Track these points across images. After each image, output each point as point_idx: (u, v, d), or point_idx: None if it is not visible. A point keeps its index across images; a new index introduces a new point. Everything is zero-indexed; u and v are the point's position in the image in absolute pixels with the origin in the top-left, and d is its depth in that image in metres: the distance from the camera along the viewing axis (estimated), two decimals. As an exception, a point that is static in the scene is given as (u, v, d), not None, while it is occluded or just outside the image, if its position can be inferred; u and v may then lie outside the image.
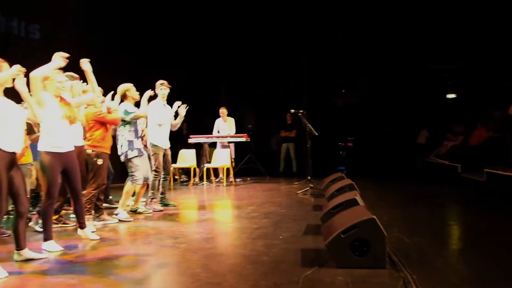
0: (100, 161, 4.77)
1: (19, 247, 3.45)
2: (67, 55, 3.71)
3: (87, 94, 4.39)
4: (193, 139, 9.33)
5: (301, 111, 7.61)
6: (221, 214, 5.58)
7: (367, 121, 12.07)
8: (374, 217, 3.12)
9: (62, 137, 3.76)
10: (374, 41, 11.01)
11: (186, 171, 9.67)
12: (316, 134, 7.41)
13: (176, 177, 9.37)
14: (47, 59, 7.57)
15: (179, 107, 6.25)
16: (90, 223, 4.52)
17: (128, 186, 5.36)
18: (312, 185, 7.41)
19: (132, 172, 5.32)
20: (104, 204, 5.41)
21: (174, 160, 8.70)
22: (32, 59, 7.38)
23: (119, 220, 5.07)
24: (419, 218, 5.06)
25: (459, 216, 5.61)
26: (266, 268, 3.12)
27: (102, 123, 4.88)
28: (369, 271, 2.99)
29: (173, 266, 3.29)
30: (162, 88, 5.95)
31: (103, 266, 3.30)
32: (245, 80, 11.77)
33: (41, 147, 3.71)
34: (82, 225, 4.11)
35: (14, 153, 3.28)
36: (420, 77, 11.40)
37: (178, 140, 9.17)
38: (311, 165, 7.72)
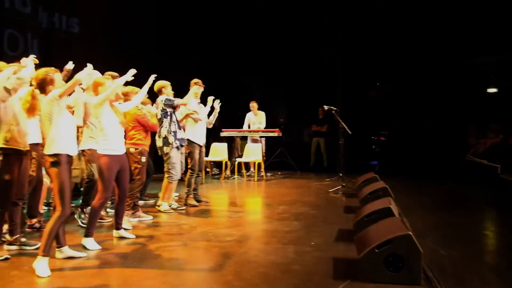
0: (143, 159, 4.92)
1: (60, 245, 3.61)
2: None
3: (134, 100, 4.52)
4: (225, 133, 9.40)
5: (334, 108, 7.50)
6: (252, 213, 5.62)
7: (402, 115, 11.76)
8: (410, 233, 3.06)
9: (118, 141, 4.02)
10: (411, 32, 10.64)
11: (217, 164, 9.77)
12: (350, 132, 7.30)
13: (208, 169, 9.48)
14: (86, 53, 7.80)
15: (214, 100, 6.31)
16: (127, 219, 4.66)
17: (165, 182, 5.52)
18: (344, 184, 7.33)
19: (169, 168, 5.43)
20: (140, 202, 5.56)
21: (206, 153, 8.81)
22: (71, 52, 7.69)
23: (160, 211, 5.38)
24: (455, 226, 4.92)
25: (498, 224, 5.43)
26: (298, 280, 3.13)
27: (143, 125, 5.02)
28: (403, 287, 2.95)
29: (207, 272, 3.34)
30: (197, 86, 6.01)
31: (137, 271, 3.40)
32: (277, 73, 11.68)
33: (101, 150, 3.93)
34: (119, 226, 4.26)
35: (72, 157, 3.51)
36: (459, 70, 10.96)
37: (210, 132, 9.26)
38: (344, 162, 7.60)
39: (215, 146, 9.29)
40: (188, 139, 5.96)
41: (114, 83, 3.95)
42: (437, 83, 11.10)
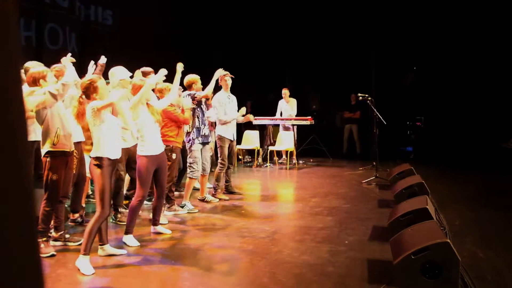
0: (174, 156, 4.99)
1: (102, 242, 3.76)
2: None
3: (169, 96, 4.54)
4: (257, 121, 9.39)
5: (369, 98, 7.32)
6: (284, 207, 5.63)
7: (439, 100, 11.36)
8: (448, 240, 2.99)
9: (156, 140, 4.11)
10: (449, 13, 10.16)
11: (250, 152, 9.82)
12: (385, 123, 7.13)
13: (240, 157, 9.56)
14: (119, 45, 7.89)
15: (245, 107, 6.33)
16: (162, 215, 4.78)
17: (188, 181, 5.52)
18: (377, 175, 7.21)
19: (190, 163, 5.46)
20: (176, 193, 5.67)
21: (239, 141, 8.87)
22: (106, 43, 7.82)
23: (187, 212, 5.32)
24: (495, 223, 4.77)
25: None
26: (332, 283, 3.14)
27: (175, 121, 5.06)
28: (439, 295, 2.91)
29: (242, 273, 3.40)
30: (226, 78, 5.98)
31: (174, 270, 3.50)
32: (310, 57, 11.47)
33: (140, 152, 4.03)
34: (156, 222, 4.39)
35: (116, 160, 3.60)
36: (500, 55, 10.41)
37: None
38: (377, 152, 7.45)
39: (247, 134, 9.32)
40: (219, 135, 5.99)
41: (145, 85, 3.99)
42: (477, 68, 10.61)
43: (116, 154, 3.59)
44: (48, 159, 3.76)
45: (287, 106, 9.40)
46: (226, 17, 10.62)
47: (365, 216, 4.98)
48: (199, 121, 5.48)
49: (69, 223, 4.72)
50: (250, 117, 6.48)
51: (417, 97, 11.74)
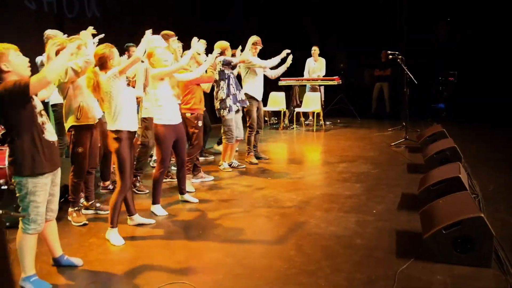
0: (200, 123, 4.94)
1: (131, 213, 3.84)
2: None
3: (181, 61, 4.39)
4: (283, 82, 9.19)
5: (399, 56, 6.97)
6: (311, 173, 5.56)
7: (473, 54, 10.73)
8: (482, 215, 2.87)
9: (175, 111, 4.05)
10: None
11: (276, 113, 9.70)
12: (416, 82, 6.81)
13: (266, 119, 9.46)
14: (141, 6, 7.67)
15: (287, 55, 6.12)
16: (189, 182, 4.81)
17: (223, 144, 5.62)
18: (407, 137, 6.99)
19: (225, 131, 5.47)
20: (200, 158, 5.69)
21: (265, 103, 8.74)
22: (128, 10, 7.64)
23: (223, 169, 5.60)
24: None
25: None
26: (359, 257, 3.10)
27: (198, 84, 4.97)
28: (471, 270, 2.83)
29: (269, 245, 3.40)
30: (257, 47, 5.83)
31: (200, 242, 3.54)
32: (335, 13, 10.95)
33: (157, 120, 3.98)
34: (183, 191, 4.43)
35: (135, 132, 3.56)
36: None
37: (267, 80, 9.10)
38: (408, 111, 7.17)
39: (273, 95, 9.17)
40: (246, 93, 5.88)
41: (178, 64, 3.93)
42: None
43: (134, 126, 3.55)
44: (72, 133, 3.79)
45: (316, 65, 9.12)
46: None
47: (394, 183, 4.87)
48: (233, 88, 5.43)
49: (101, 191, 4.85)
50: (288, 58, 6.27)
51: (450, 50, 11.13)
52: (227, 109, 5.40)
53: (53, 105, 4.88)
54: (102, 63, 3.44)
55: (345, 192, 4.61)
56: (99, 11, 7.44)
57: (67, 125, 3.84)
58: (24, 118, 2.55)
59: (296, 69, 9.47)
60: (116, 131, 3.43)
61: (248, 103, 5.69)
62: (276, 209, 4.17)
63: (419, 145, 6.32)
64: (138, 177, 4.88)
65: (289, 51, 6.15)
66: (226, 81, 5.39)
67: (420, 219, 3.38)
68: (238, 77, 5.92)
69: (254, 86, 5.92)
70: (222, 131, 5.61)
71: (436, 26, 11.39)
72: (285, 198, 4.50)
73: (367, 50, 10.45)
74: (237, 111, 5.56)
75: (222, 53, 5.38)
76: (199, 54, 4.92)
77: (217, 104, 5.46)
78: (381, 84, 10.26)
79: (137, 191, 4.79)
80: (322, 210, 4.09)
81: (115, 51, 3.49)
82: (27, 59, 2.67)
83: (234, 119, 5.53)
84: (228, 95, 5.39)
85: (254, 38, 5.73)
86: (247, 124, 5.99)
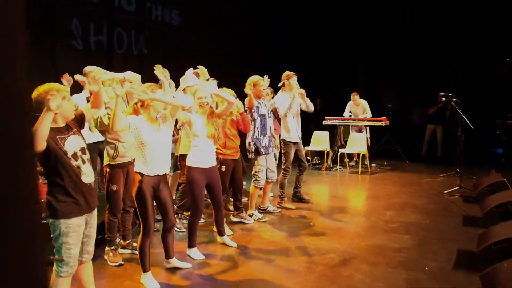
0: (223, 168, 4.82)
1: (168, 256, 3.80)
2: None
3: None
4: (327, 121, 9.12)
5: (453, 99, 6.72)
6: (356, 220, 5.34)
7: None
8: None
9: (207, 153, 3.99)
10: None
11: (319, 153, 9.57)
12: (472, 127, 6.52)
13: (309, 158, 9.34)
14: (185, 45, 8.02)
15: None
16: (227, 225, 4.72)
17: (251, 188, 5.43)
18: (462, 185, 6.62)
19: (255, 171, 5.36)
20: (245, 200, 5.62)
21: (307, 142, 8.68)
22: (171, 43, 7.99)
23: (255, 220, 5.29)
24: None
25: None
26: (411, 322, 2.87)
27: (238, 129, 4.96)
28: None
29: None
30: (292, 80, 5.71)
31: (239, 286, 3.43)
32: (384, 49, 10.88)
33: (189, 162, 3.97)
34: (221, 232, 4.37)
35: (158, 176, 3.47)
36: None
37: (311, 117, 9.03)
38: (462, 157, 6.82)
39: (317, 134, 9.08)
40: (283, 139, 5.82)
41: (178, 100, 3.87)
42: None
43: (157, 170, 3.44)
44: (108, 170, 3.88)
45: (357, 109, 9.08)
46: (291, 11, 10.39)
47: (448, 237, 4.57)
48: (258, 131, 5.29)
49: (138, 229, 4.85)
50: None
51: (508, 91, 10.69)
52: (252, 153, 5.30)
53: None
54: (143, 104, 3.46)
55: (393, 244, 4.37)
56: (146, 48, 7.78)
57: (104, 161, 3.95)
58: (52, 163, 2.58)
59: (341, 108, 9.42)
60: (140, 174, 3.40)
61: (271, 150, 5.46)
62: (317, 258, 4.00)
63: (476, 195, 5.96)
64: (180, 214, 4.89)
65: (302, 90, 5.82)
66: (259, 121, 5.32)
67: (482, 284, 3.10)
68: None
69: (291, 131, 5.77)
70: (252, 172, 5.42)
71: (494, 65, 11.05)
72: (327, 247, 4.33)
73: (417, 89, 10.25)
74: (266, 153, 5.39)
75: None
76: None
77: (247, 145, 5.39)
78: (434, 127, 9.92)
79: (176, 229, 4.78)
80: (368, 264, 3.87)
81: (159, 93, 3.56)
82: (75, 103, 2.76)
83: (265, 160, 5.38)
84: (258, 136, 5.28)
85: (286, 73, 5.68)
86: (282, 167, 5.86)
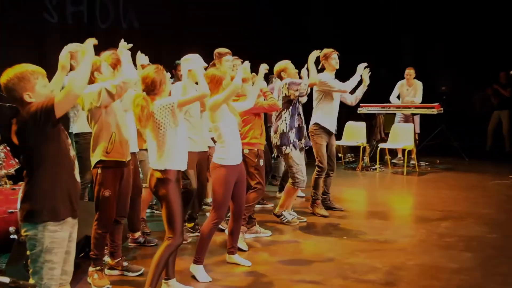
0: (262, 162, 4.95)
1: (168, 277, 3.83)
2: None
3: (235, 82, 4.43)
4: (363, 109, 9.08)
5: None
6: (402, 234, 5.32)
7: None
8: None
9: (239, 147, 4.15)
10: None
11: (353, 149, 9.56)
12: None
13: (340, 155, 9.33)
14: (187, 17, 8.04)
15: (365, 68, 6.06)
16: (241, 237, 4.76)
17: (289, 188, 5.54)
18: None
19: (294, 173, 5.41)
20: (257, 206, 5.67)
21: (339, 135, 8.66)
22: (169, 15, 8.00)
23: (285, 222, 5.54)
24: None
25: None
26: None
27: (257, 114, 5.01)
28: None
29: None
30: (335, 56, 5.80)
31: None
32: (437, 23, 10.80)
33: (219, 160, 4.06)
34: (233, 250, 4.40)
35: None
36: None
37: (342, 104, 8.95)
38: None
39: (350, 126, 9.10)
40: (316, 124, 5.85)
41: (231, 85, 3.95)
42: None
43: (185, 165, 3.64)
44: (99, 171, 3.90)
45: (409, 91, 8.99)
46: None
47: (522, 255, 4.54)
48: (296, 119, 5.44)
49: (130, 244, 4.94)
50: (365, 74, 6.12)
51: None
52: (291, 144, 5.37)
53: (76, 135, 5.08)
54: (153, 89, 3.53)
55: (449, 264, 4.36)
56: (138, 21, 7.85)
57: (93, 159, 3.95)
58: (51, 150, 2.63)
59: (381, 92, 9.37)
60: (164, 171, 3.48)
61: (298, 146, 5.51)
62: (354, 282, 4.02)
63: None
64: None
65: (365, 64, 6.04)
66: (291, 109, 5.38)
67: None
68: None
69: (328, 116, 5.87)
70: (289, 174, 5.54)
71: None
72: (365, 267, 4.33)
73: (478, 70, 10.14)
74: (301, 149, 5.52)
75: (280, 77, 5.47)
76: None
77: (275, 139, 5.44)
78: (499, 113, 9.85)
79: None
80: (418, 288, 3.88)
81: (166, 75, 3.62)
82: (52, 90, 2.79)
83: (301, 157, 5.50)
84: (291, 128, 5.36)
85: (325, 51, 5.75)
86: (315, 163, 5.92)
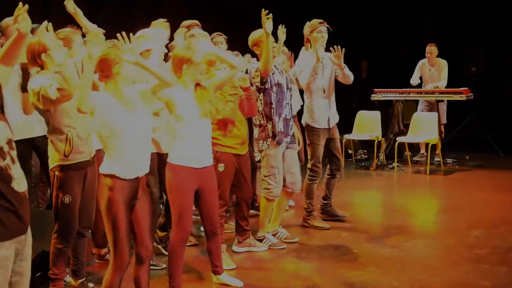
0: (221, 167, 4.76)
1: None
2: None
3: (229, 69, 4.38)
4: (378, 95, 9.07)
5: None
6: (425, 245, 5.34)
7: None
8: None
9: (201, 146, 4.00)
10: None
11: (366, 144, 9.56)
12: None
13: (350, 151, 9.33)
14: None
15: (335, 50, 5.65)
16: (225, 254, 4.72)
17: (262, 201, 5.38)
18: None
19: (265, 176, 5.24)
20: (252, 211, 5.65)
21: (349, 128, 8.67)
22: None
23: (269, 247, 5.29)
24: None
25: None
26: None
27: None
28: None
29: None
30: (322, 30, 5.61)
31: None
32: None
33: (172, 158, 3.97)
34: (217, 270, 4.35)
35: (137, 179, 3.53)
36: None
37: (352, 89, 8.97)
38: None
39: (362, 116, 9.11)
40: (306, 123, 5.79)
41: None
42: None
43: (136, 171, 3.53)
44: (56, 173, 3.87)
45: (433, 71, 9.00)
46: None
47: None
48: (280, 106, 5.22)
49: (96, 261, 4.92)
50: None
51: None
52: (268, 140, 5.17)
53: None
54: (103, 69, 3.47)
55: (481, 281, 4.35)
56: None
57: (50, 163, 3.94)
58: None
59: (399, 75, 9.36)
60: (110, 176, 3.42)
61: (290, 141, 5.37)
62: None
63: None
64: (164, 240, 4.99)
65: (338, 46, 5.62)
66: (267, 95, 5.18)
67: None
68: None
69: (314, 110, 5.73)
70: (261, 177, 5.35)
71: None
72: (381, 285, 4.34)
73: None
74: (288, 147, 5.35)
75: (257, 48, 5.20)
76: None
77: (255, 133, 5.37)
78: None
79: (163, 251, 4.89)
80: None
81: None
82: None
83: (281, 158, 5.26)
84: (279, 116, 5.18)
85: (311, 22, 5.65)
86: (308, 166, 5.84)
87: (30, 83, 3.76)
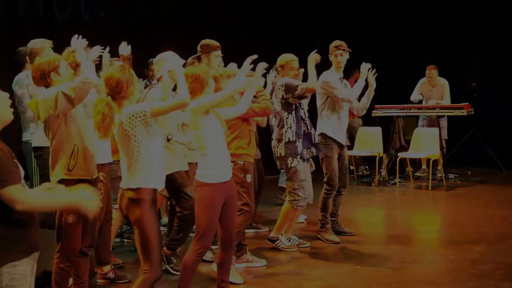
0: (249, 178, 4.90)
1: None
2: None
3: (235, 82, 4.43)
4: (379, 111, 9.11)
5: None
6: (427, 260, 5.35)
7: None
8: None
9: (227, 160, 4.08)
10: None
11: (367, 160, 9.58)
12: None
13: (352, 167, 9.34)
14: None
15: (369, 71, 5.97)
16: (233, 269, 4.74)
17: (287, 208, 5.52)
18: None
19: (294, 189, 5.41)
20: (249, 231, 5.66)
21: (350, 145, 8.67)
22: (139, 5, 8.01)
23: (281, 247, 5.52)
24: None
25: None
26: None
27: (246, 119, 4.98)
28: None
29: None
30: (339, 52, 5.80)
31: None
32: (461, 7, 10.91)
33: (202, 177, 3.99)
34: (224, 286, 4.32)
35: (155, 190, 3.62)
36: None
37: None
38: None
39: (363, 132, 9.15)
40: (322, 134, 5.86)
41: (233, 84, 4.01)
42: None
43: (162, 183, 3.64)
44: None
45: (433, 92, 9.09)
46: None
47: None
48: (307, 124, 5.49)
49: (98, 281, 4.91)
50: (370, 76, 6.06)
51: None
52: (299, 156, 5.37)
53: (36, 149, 5.02)
54: (119, 91, 3.53)
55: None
56: (103, 11, 7.88)
57: (53, 178, 3.93)
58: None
59: (400, 91, 9.41)
60: (137, 190, 3.47)
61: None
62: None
63: None
64: (175, 257, 4.98)
65: (369, 64, 5.96)
66: (294, 114, 5.40)
67: None
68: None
69: (335, 124, 5.86)
70: (288, 189, 5.55)
71: None
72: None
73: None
74: (307, 160, 5.54)
75: (284, 71, 5.49)
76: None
77: (279, 149, 5.44)
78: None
79: (171, 270, 4.86)
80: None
81: (134, 74, 3.62)
82: (7, 94, 2.77)
83: (309, 171, 5.55)
84: (298, 136, 5.37)
85: (334, 45, 5.82)
86: (324, 180, 5.91)
87: (39, 96, 3.83)
